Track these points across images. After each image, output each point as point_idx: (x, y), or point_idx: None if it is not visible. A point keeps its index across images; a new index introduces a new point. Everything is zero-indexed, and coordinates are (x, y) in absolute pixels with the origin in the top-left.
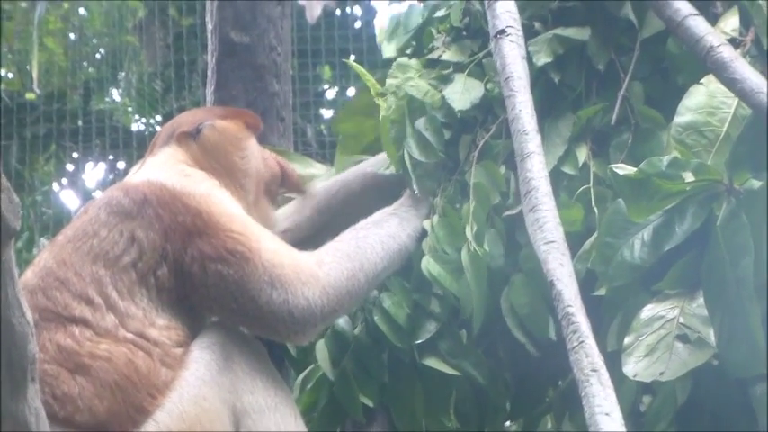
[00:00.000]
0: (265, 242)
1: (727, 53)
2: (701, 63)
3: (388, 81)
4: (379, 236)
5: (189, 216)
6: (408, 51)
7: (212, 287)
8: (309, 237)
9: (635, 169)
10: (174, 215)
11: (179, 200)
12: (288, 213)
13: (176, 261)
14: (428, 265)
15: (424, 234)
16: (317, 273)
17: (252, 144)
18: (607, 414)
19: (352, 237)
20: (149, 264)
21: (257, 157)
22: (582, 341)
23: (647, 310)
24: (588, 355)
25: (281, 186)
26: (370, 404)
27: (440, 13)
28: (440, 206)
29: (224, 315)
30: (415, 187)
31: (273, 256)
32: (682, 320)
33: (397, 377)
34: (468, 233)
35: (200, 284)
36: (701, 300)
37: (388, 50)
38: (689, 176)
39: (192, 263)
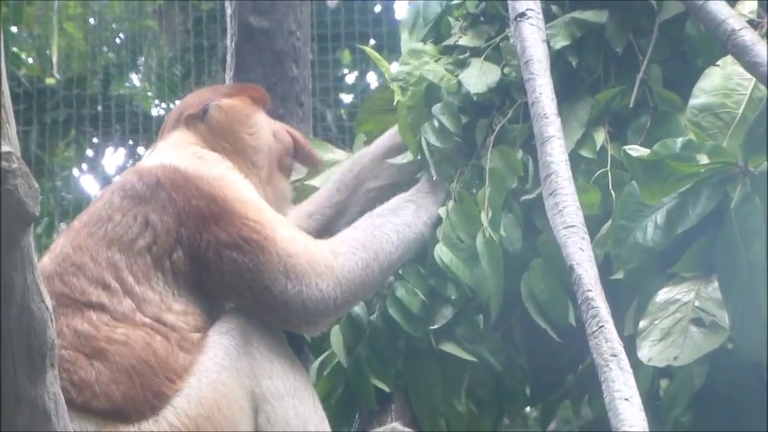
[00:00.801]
0: (281, 230)
1: (749, 37)
2: (722, 47)
3: (399, 68)
4: (394, 224)
5: (203, 200)
6: (428, 43)
7: (227, 274)
8: (332, 217)
9: (648, 151)
10: (187, 198)
11: (192, 183)
12: (310, 198)
13: (191, 245)
14: (441, 252)
15: (440, 221)
16: (332, 263)
17: (260, 119)
18: (627, 399)
19: (367, 225)
20: (164, 247)
21: (267, 132)
22: (601, 326)
23: (663, 294)
24: (608, 340)
25: (295, 158)
26: (387, 389)
27: (457, 1)
28: (456, 191)
29: (239, 302)
30: (433, 173)
31: (288, 245)
32: (697, 304)
33: (414, 362)
34: (484, 219)
35: (215, 271)
36: (716, 283)
37: (408, 44)
38: (703, 158)
39: (207, 248)
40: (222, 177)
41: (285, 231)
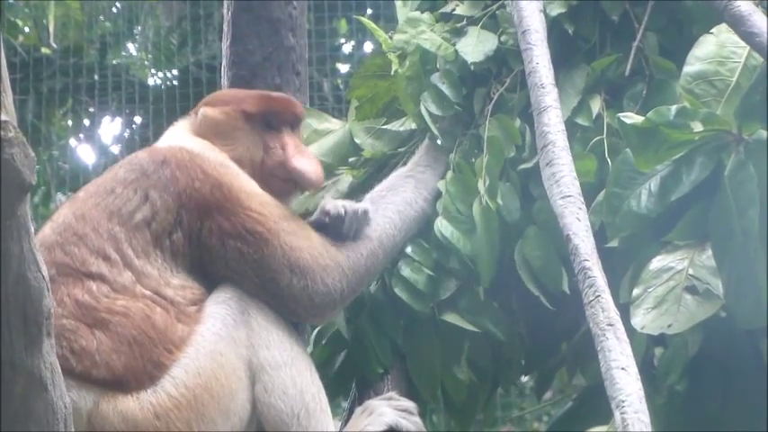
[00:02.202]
0: (283, 222)
1: (745, 6)
2: (719, 16)
3: (396, 37)
4: (395, 204)
5: (207, 185)
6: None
7: (232, 260)
8: None
9: (643, 118)
10: (191, 180)
11: (198, 165)
12: None
13: (191, 229)
14: (440, 226)
15: (440, 194)
16: (337, 256)
17: (242, 135)
18: (623, 369)
19: (369, 205)
20: (163, 225)
21: (249, 148)
22: (598, 295)
23: (657, 262)
24: (604, 310)
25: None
26: (386, 362)
27: None
28: (455, 162)
29: (244, 285)
30: (438, 138)
31: (292, 239)
32: (691, 272)
33: (414, 332)
34: (481, 187)
35: (218, 257)
36: (710, 251)
37: (404, 12)
38: (698, 126)
39: (209, 235)
40: (228, 165)
41: (288, 224)
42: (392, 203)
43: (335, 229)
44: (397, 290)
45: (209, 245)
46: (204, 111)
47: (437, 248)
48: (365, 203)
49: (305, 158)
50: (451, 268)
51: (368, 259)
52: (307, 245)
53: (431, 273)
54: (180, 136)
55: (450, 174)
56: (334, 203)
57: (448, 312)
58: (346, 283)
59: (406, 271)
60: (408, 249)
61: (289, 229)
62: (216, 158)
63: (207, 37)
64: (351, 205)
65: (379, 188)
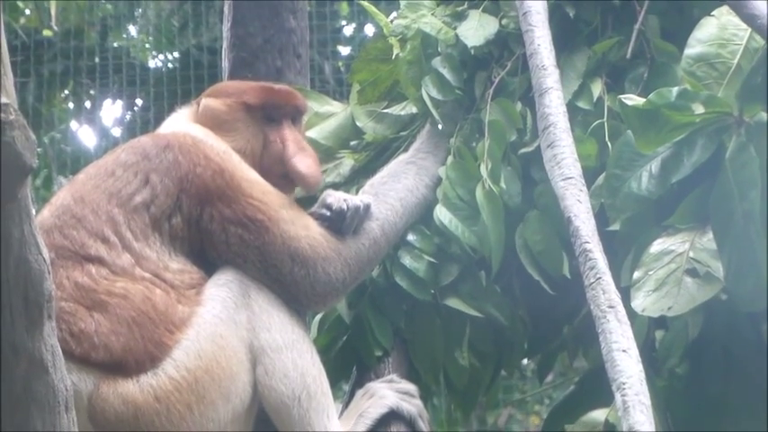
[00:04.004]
0: (284, 212)
1: None
2: None
3: (396, 22)
4: (397, 191)
5: (209, 170)
6: None
7: (234, 245)
8: None
9: (644, 100)
10: (193, 165)
11: (201, 150)
12: None
13: (191, 215)
14: (440, 213)
15: (441, 181)
16: (338, 246)
17: (243, 126)
18: (624, 351)
19: (371, 197)
20: (162, 209)
21: (250, 140)
22: (599, 277)
23: (657, 245)
24: (605, 292)
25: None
26: (386, 345)
27: None
28: (455, 147)
29: (248, 269)
30: (439, 124)
31: (291, 228)
32: (691, 255)
33: (415, 317)
34: (483, 171)
35: (219, 242)
36: (711, 234)
37: None
38: (699, 108)
39: (210, 221)
40: (230, 153)
41: (288, 213)
42: (394, 190)
43: (337, 224)
44: (397, 278)
45: (210, 230)
46: (206, 101)
47: (438, 234)
48: (367, 197)
49: (303, 157)
50: (453, 253)
51: (370, 248)
52: (305, 234)
53: (432, 260)
54: (183, 123)
55: (450, 159)
56: (336, 197)
57: (450, 297)
58: (348, 272)
59: (406, 259)
60: (409, 237)
61: (288, 218)
62: (219, 146)
63: (208, 19)
64: (352, 200)
65: (380, 175)
